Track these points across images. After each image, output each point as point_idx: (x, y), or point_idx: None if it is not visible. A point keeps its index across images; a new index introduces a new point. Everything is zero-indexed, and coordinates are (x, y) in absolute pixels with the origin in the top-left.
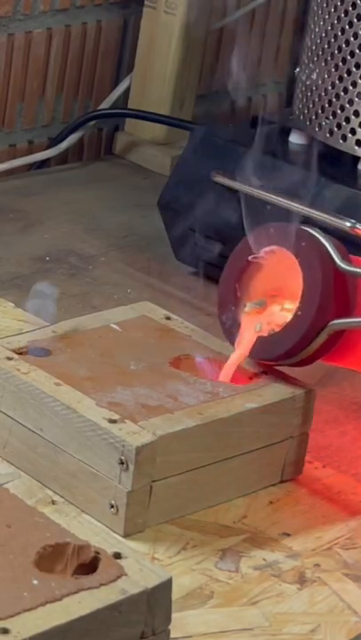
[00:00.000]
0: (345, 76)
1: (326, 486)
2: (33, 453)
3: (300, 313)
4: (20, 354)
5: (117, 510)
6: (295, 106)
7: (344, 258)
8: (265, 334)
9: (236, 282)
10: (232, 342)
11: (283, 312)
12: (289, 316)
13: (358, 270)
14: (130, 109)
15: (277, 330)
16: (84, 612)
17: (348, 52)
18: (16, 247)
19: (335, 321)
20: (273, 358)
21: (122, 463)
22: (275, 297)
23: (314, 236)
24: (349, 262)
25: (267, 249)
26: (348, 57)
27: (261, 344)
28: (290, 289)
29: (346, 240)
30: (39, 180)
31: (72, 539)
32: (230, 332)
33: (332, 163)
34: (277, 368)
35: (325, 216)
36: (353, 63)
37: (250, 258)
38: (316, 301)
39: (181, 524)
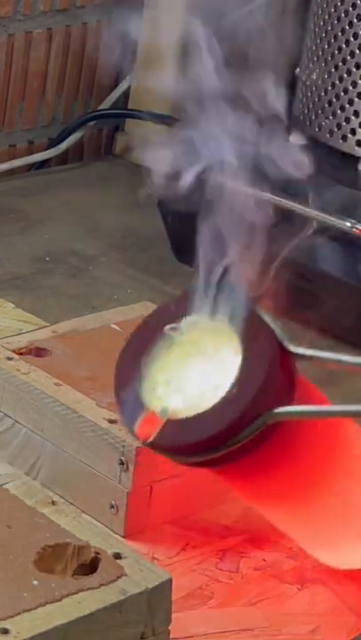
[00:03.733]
0: (345, 76)
1: None
2: (33, 454)
3: (234, 391)
4: (21, 354)
5: (117, 510)
6: (295, 106)
7: (289, 340)
8: (176, 417)
9: (142, 354)
10: (131, 428)
11: (198, 400)
12: (207, 399)
13: (309, 352)
14: (130, 109)
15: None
16: (84, 613)
17: (349, 52)
18: (16, 247)
19: (280, 409)
20: (185, 447)
21: (122, 463)
22: (187, 386)
23: (255, 308)
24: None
25: (191, 319)
26: (349, 57)
27: (171, 429)
28: (211, 373)
29: (346, 240)
30: (39, 181)
31: (72, 539)
32: (131, 413)
33: (333, 163)
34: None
35: (326, 216)
36: (353, 63)
37: (167, 327)
38: (258, 380)
39: (181, 524)
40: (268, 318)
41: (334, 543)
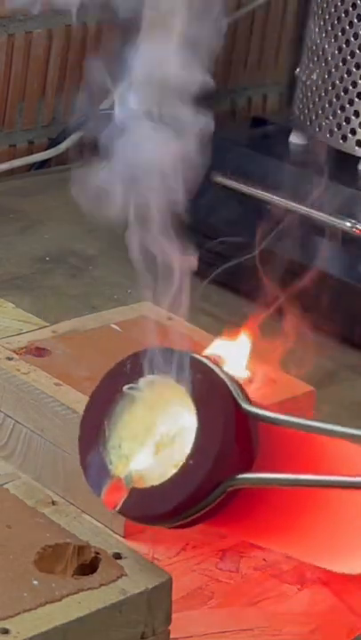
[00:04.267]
0: (345, 76)
1: None
2: (33, 454)
3: (191, 462)
4: (21, 354)
5: None
6: (295, 106)
7: (246, 398)
8: (140, 486)
9: (104, 416)
10: (98, 494)
11: (161, 460)
12: (170, 467)
13: (265, 413)
14: (130, 109)
15: (155, 483)
16: (84, 613)
17: (349, 52)
18: (16, 247)
19: (239, 476)
20: (149, 517)
21: None
22: (151, 439)
23: (210, 367)
24: (251, 403)
25: (147, 379)
26: (349, 57)
27: (136, 497)
28: (173, 436)
29: (346, 240)
30: (39, 181)
31: (72, 539)
32: (97, 479)
33: (333, 163)
34: (277, 368)
35: (325, 216)
36: (353, 63)
37: (125, 388)
38: (213, 449)
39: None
40: (224, 375)
41: (335, 555)
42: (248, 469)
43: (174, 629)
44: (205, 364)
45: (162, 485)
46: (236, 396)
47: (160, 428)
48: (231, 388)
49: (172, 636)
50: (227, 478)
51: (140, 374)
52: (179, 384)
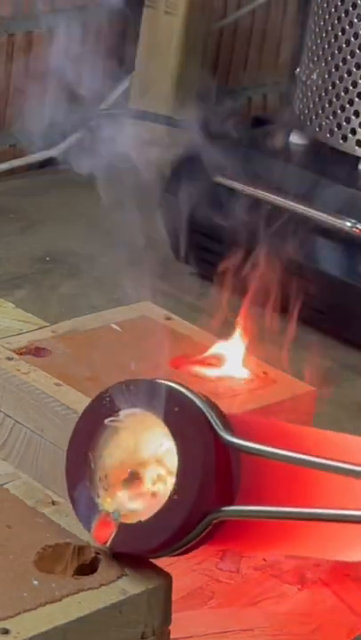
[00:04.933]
0: (345, 76)
1: None
2: (33, 454)
3: (175, 497)
4: (21, 354)
5: None
6: (296, 106)
7: (226, 426)
8: (128, 521)
9: (88, 450)
10: (88, 529)
11: (148, 492)
12: (158, 500)
13: (245, 443)
14: (130, 109)
15: (144, 517)
16: (84, 613)
17: (349, 52)
18: (16, 247)
19: (223, 509)
20: (138, 552)
21: None
22: (138, 472)
23: (188, 397)
24: (232, 431)
25: (127, 411)
26: (349, 57)
27: (124, 533)
28: (158, 463)
29: (346, 240)
30: (39, 181)
31: (72, 539)
32: (86, 514)
33: (333, 163)
34: (277, 368)
35: (325, 216)
36: (353, 63)
37: (107, 421)
38: (195, 483)
39: None
40: (202, 405)
41: (333, 552)
42: (232, 500)
43: (174, 629)
44: (184, 394)
45: (148, 521)
46: (215, 426)
47: (145, 456)
48: (210, 418)
49: (172, 636)
50: (211, 511)
51: (120, 407)
52: (158, 414)
